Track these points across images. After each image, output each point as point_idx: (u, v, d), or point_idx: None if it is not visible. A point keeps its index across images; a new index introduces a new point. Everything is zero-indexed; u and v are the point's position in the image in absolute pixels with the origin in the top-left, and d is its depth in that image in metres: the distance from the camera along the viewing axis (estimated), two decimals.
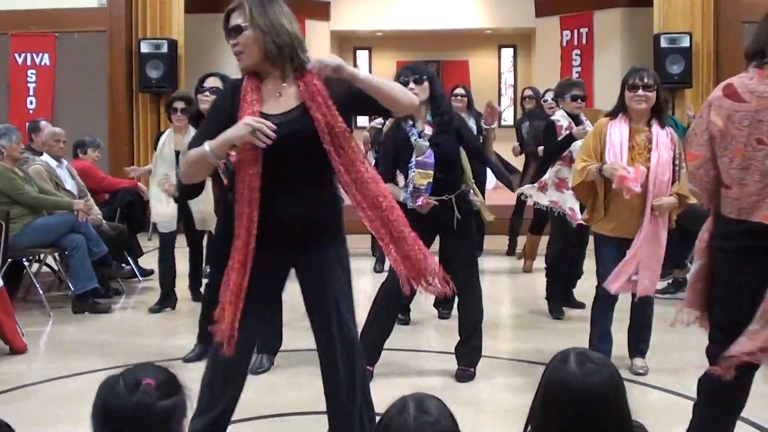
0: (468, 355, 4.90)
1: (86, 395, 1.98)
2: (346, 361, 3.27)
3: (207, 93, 5.74)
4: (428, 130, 4.74)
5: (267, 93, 3.15)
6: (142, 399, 1.88)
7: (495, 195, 9.86)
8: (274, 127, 2.97)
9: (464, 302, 4.92)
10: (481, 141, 5.97)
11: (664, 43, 10.88)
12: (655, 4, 11.22)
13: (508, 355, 5.48)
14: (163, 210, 6.59)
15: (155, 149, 6.75)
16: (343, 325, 3.26)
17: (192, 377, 4.62)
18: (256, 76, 3.16)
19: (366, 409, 3.35)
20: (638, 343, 5.06)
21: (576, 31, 13.73)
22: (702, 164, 3.05)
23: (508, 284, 8.24)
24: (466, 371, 4.86)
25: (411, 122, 4.74)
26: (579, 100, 6.45)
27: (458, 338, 4.96)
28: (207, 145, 3.04)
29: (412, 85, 4.59)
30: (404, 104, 3.15)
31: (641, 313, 5.01)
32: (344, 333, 3.27)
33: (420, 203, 4.68)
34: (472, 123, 8.17)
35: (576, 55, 13.68)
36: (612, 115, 4.89)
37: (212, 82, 5.79)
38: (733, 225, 3.00)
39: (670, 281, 7.29)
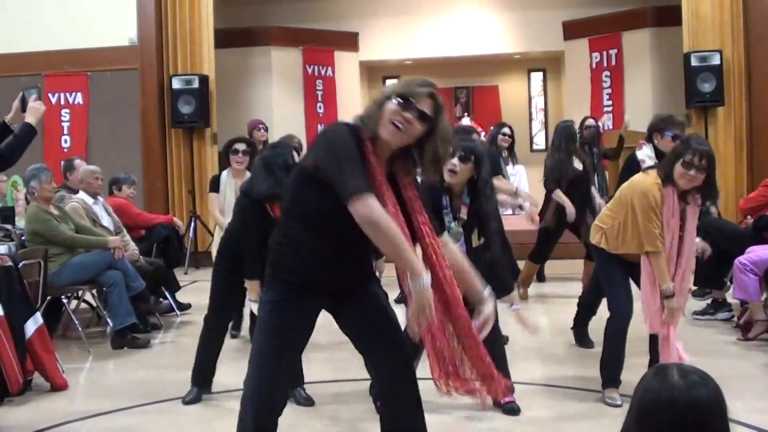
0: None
1: (129, 431, 1.98)
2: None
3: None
4: (463, 212, 4.47)
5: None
6: None
7: (512, 220, 9.71)
8: None
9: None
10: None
11: (694, 62, 10.81)
12: (684, 22, 11.17)
13: (538, 381, 5.42)
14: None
15: (212, 191, 6.90)
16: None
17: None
18: (372, 142, 2.99)
19: None
20: None
21: (605, 52, 13.71)
22: None
23: (539, 310, 8.16)
24: (511, 403, 4.68)
25: (447, 198, 4.45)
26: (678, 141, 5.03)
27: None
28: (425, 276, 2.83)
29: (455, 161, 4.36)
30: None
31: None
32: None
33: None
34: None
35: (606, 76, 13.66)
36: (663, 179, 4.46)
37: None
38: None
39: (709, 301, 7.19)
